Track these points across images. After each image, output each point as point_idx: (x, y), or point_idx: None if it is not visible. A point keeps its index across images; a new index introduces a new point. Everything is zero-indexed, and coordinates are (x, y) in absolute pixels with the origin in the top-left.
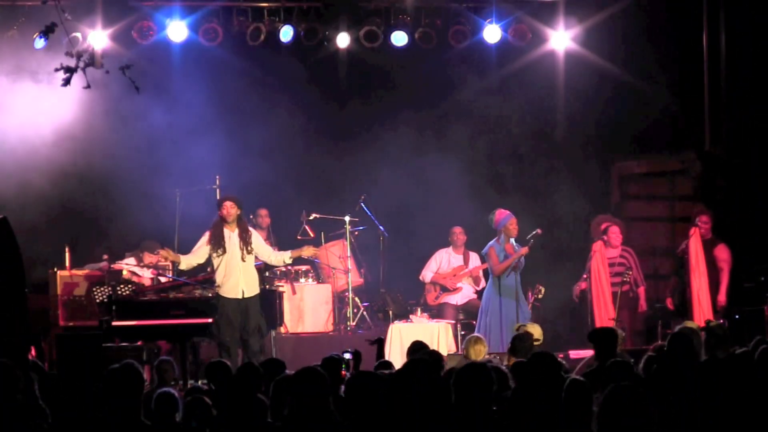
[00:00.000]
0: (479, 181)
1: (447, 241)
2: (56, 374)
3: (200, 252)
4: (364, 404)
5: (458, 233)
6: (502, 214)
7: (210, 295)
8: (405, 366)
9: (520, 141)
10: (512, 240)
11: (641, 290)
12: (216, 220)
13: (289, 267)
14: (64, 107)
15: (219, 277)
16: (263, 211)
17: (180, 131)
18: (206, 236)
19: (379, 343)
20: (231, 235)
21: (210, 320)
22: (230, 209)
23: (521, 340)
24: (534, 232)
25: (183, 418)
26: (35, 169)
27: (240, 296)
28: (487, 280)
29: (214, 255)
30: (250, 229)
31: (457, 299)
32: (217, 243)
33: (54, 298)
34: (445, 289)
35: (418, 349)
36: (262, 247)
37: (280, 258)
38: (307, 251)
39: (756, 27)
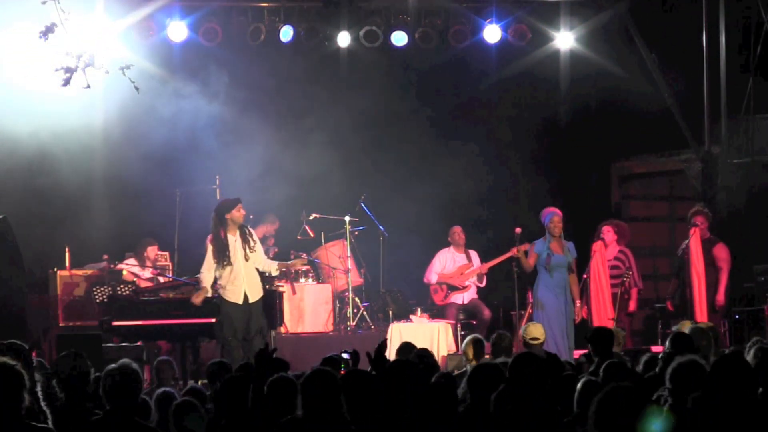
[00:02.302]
0: (479, 180)
1: (447, 241)
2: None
3: (212, 271)
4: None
5: (458, 232)
6: (545, 213)
7: (210, 295)
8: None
9: (520, 140)
10: (562, 236)
11: (634, 291)
12: (216, 231)
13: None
14: (64, 108)
15: (223, 281)
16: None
17: (180, 131)
18: (210, 253)
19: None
20: (234, 240)
21: (210, 320)
22: (242, 210)
23: (499, 340)
24: (514, 233)
25: (175, 421)
26: (35, 170)
27: (241, 301)
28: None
29: (221, 268)
30: (248, 227)
31: (464, 297)
32: (222, 256)
33: (54, 298)
34: (453, 288)
35: (407, 350)
36: (259, 249)
37: (269, 267)
38: (296, 263)
39: (756, 27)
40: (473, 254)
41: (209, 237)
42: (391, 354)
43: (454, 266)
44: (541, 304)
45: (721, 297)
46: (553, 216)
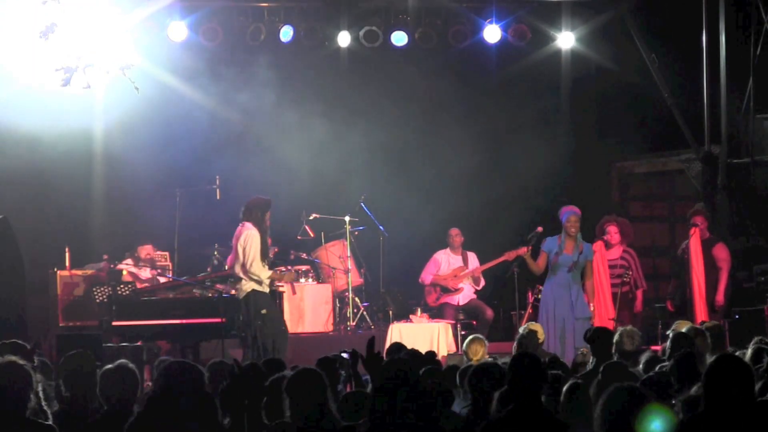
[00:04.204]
0: (479, 180)
1: (446, 242)
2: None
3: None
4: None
5: (455, 235)
6: (563, 211)
7: (210, 295)
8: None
9: (520, 141)
10: (579, 237)
11: (639, 292)
12: (261, 227)
13: (290, 267)
14: (64, 108)
15: (264, 275)
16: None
17: (180, 131)
18: (258, 249)
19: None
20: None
21: (210, 320)
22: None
23: (525, 339)
24: (534, 231)
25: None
26: (35, 169)
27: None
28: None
29: (265, 264)
30: None
31: (458, 299)
32: (266, 252)
33: (54, 298)
34: (445, 290)
35: (397, 350)
36: None
37: None
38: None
39: (756, 27)
40: (471, 256)
41: (248, 234)
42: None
43: (449, 268)
44: (544, 302)
45: (720, 297)
46: (570, 215)
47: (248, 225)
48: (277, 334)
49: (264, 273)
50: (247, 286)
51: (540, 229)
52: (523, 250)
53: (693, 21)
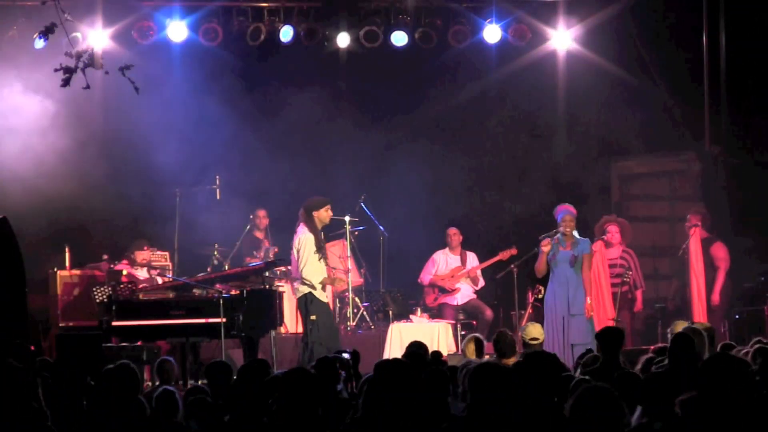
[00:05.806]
0: (478, 180)
1: (445, 242)
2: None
3: (320, 266)
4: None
5: (453, 234)
6: (558, 210)
7: (210, 295)
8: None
9: (519, 141)
10: (576, 234)
11: (639, 292)
12: (311, 227)
13: (290, 267)
14: (63, 107)
15: (316, 280)
16: (262, 212)
17: (180, 131)
18: (310, 250)
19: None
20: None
21: (210, 320)
22: (330, 212)
23: (498, 340)
24: (552, 230)
25: (184, 418)
26: (35, 169)
27: (326, 300)
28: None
29: (321, 260)
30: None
31: (456, 299)
32: (321, 249)
33: (54, 298)
34: (443, 291)
35: (415, 348)
36: None
37: None
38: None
39: (756, 27)
40: (470, 256)
41: (301, 237)
42: (391, 354)
43: (447, 268)
44: (547, 302)
45: (716, 296)
46: (565, 215)
47: (301, 227)
48: (322, 340)
49: (316, 278)
50: (304, 287)
51: (561, 228)
52: (545, 242)
53: (693, 21)
